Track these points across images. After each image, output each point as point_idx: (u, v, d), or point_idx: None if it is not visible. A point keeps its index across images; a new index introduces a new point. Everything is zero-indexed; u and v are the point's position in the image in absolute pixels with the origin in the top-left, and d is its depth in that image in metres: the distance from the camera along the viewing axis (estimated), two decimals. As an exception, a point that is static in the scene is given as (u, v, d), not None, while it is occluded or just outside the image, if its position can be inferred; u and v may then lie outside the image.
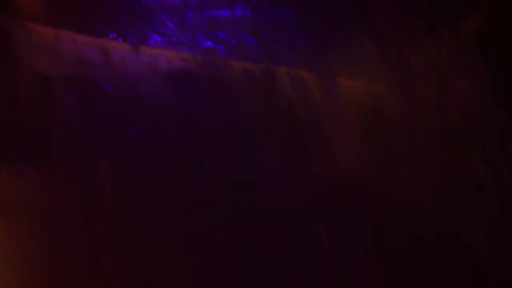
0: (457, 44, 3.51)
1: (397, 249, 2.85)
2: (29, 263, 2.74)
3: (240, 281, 2.66)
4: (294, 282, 2.70)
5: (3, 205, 2.98)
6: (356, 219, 2.99)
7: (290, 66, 3.62)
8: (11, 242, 2.85)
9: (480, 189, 3.09)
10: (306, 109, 3.48)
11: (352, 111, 3.40)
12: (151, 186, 3.09)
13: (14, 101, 3.22)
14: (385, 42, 3.50)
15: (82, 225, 2.90)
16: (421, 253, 2.84)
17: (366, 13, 3.54)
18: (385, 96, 3.47)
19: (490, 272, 2.73)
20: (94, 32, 3.62)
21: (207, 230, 2.87)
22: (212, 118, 3.43)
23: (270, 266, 2.75)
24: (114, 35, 3.72)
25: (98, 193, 3.03)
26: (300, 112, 3.49)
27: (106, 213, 2.95)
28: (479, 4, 3.61)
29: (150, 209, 2.99)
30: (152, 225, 2.90)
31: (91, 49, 3.53)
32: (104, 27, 3.67)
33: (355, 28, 3.49)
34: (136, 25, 3.78)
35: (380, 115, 3.39)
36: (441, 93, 3.47)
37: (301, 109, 3.48)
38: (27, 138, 3.17)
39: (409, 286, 2.72)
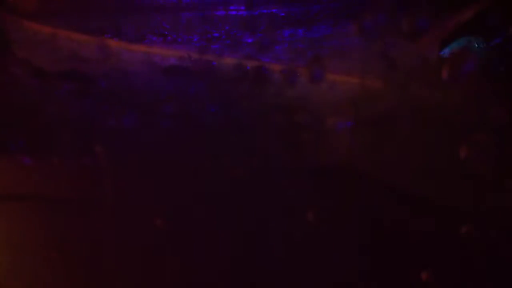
0: (450, 38, 3.54)
1: (396, 243, 2.85)
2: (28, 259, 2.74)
3: (240, 280, 2.64)
4: (293, 280, 2.69)
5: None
6: (354, 213, 3.00)
7: (284, 63, 3.64)
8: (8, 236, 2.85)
9: (480, 187, 3.11)
10: (301, 105, 3.50)
11: (346, 105, 3.42)
12: (149, 182, 3.09)
13: (10, 96, 3.24)
14: (378, 38, 3.52)
15: (80, 221, 2.90)
16: (421, 249, 2.83)
17: (360, 9, 3.57)
18: (379, 91, 3.49)
19: (490, 269, 2.73)
20: (91, 30, 3.64)
21: (206, 228, 2.86)
22: (208, 115, 3.44)
23: (270, 264, 2.74)
24: (110, 34, 3.74)
25: (95, 188, 3.04)
26: (294, 108, 3.50)
27: (104, 210, 2.95)
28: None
29: (148, 205, 2.99)
30: (150, 221, 2.90)
31: (88, 46, 3.55)
32: (100, 26, 3.69)
33: (348, 24, 3.52)
34: (131, 24, 3.80)
35: (374, 109, 3.41)
36: (436, 88, 3.48)
37: (296, 104, 3.50)
38: (23, 132, 3.18)
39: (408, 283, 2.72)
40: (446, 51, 3.54)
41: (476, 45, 3.48)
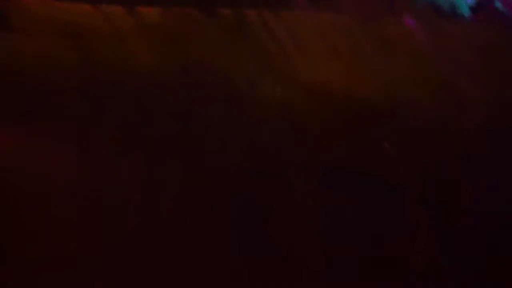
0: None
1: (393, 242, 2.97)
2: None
3: (240, 279, 2.73)
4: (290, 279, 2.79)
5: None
6: (353, 207, 3.09)
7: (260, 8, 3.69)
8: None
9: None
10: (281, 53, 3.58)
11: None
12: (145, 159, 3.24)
13: (17, 67, 3.41)
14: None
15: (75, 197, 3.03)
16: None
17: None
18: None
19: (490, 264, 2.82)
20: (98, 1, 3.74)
21: (207, 225, 2.98)
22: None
23: (268, 262, 2.88)
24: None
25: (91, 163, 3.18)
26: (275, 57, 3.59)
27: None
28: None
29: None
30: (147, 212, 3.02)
31: (93, 16, 3.67)
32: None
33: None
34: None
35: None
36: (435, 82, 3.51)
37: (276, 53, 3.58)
38: (28, 100, 3.35)
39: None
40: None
41: None
